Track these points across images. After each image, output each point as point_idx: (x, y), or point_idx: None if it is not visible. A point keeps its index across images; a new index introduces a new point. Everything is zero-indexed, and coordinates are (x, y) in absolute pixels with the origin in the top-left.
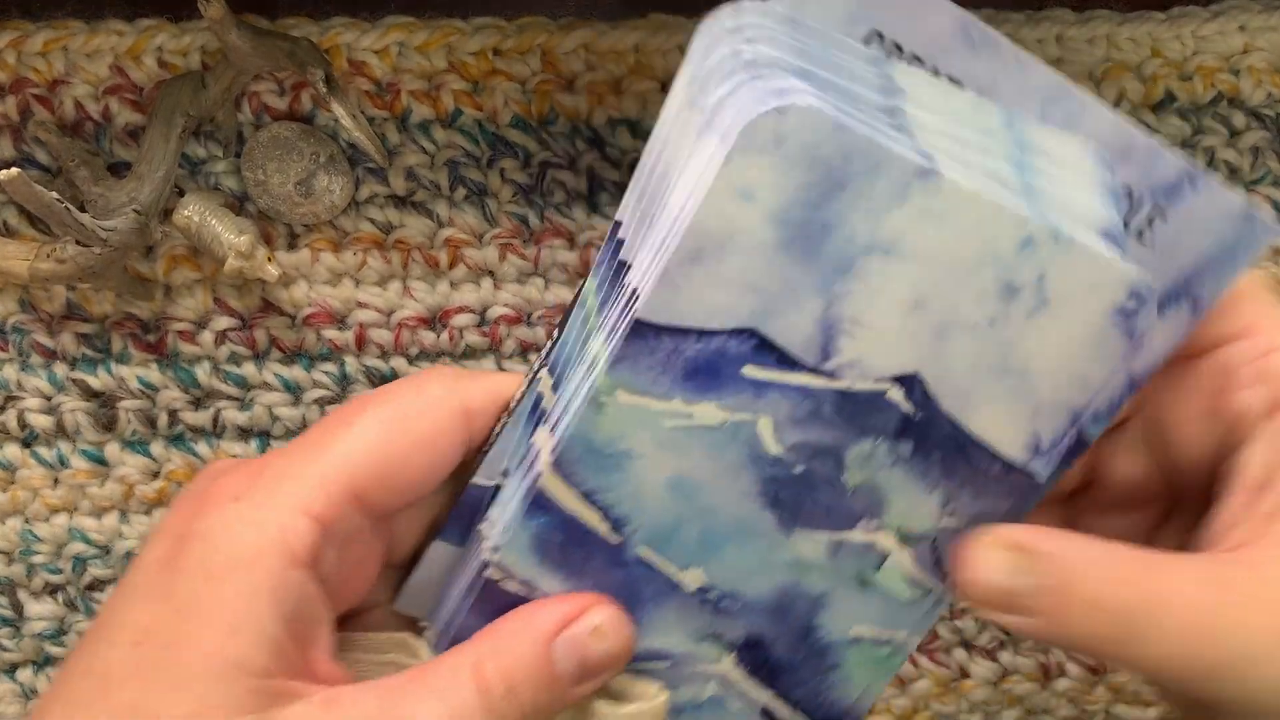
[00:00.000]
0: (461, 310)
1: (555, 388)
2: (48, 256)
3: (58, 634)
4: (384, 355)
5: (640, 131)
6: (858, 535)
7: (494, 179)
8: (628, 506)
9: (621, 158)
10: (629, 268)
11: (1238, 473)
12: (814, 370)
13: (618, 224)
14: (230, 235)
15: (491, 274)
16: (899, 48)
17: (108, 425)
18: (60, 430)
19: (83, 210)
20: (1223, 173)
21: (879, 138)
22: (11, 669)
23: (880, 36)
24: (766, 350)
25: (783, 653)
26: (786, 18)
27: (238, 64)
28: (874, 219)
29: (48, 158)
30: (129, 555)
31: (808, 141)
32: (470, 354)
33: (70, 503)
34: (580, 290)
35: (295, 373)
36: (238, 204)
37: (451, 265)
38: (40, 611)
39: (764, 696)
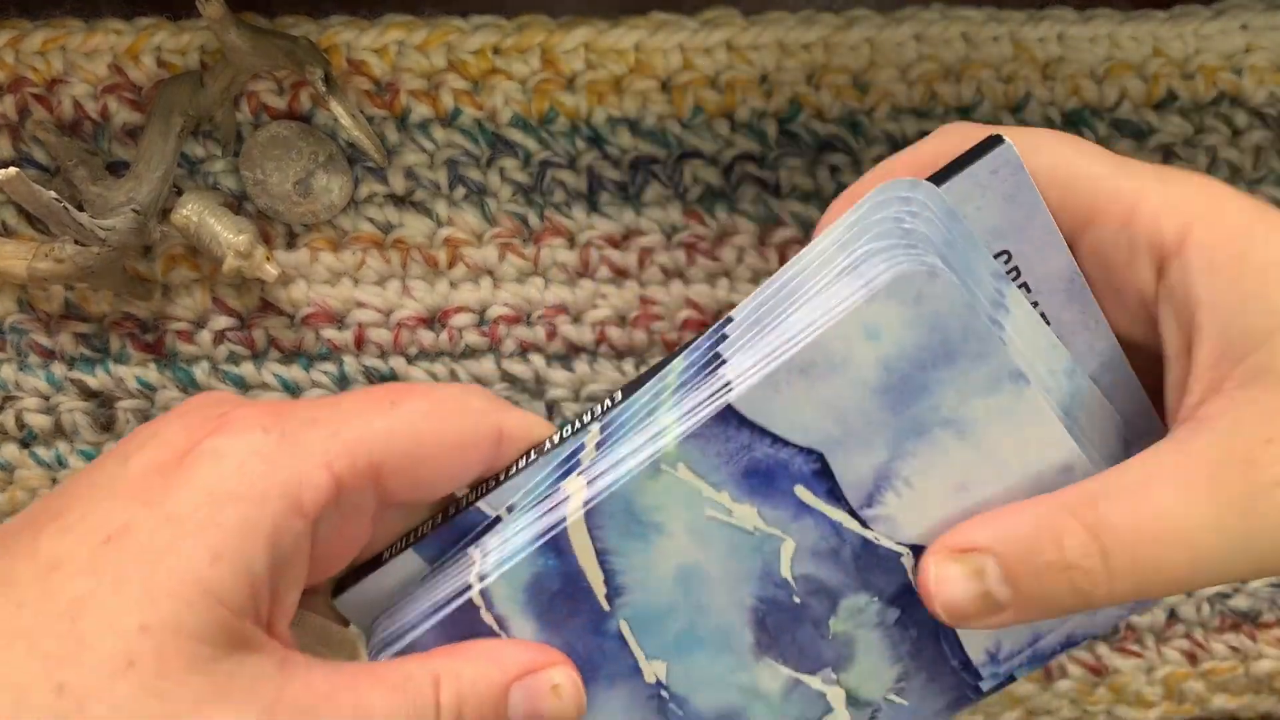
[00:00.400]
0: (461, 310)
1: (601, 445)
2: (46, 256)
3: None
4: (383, 355)
5: (640, 131)
6: (816, 682)
7: (493, 178)
8: (632, 578)
9: (621, 157)
10: (725, 362)
11: (1166, 352)
12: (853, 513)
13: (729, 319)
14: (229, 235)
15: (491, 274)
16: (1018, 271)
17: (106, 425)
18: (58, 430)
19: (81, 210)
20: (1224, 172)
21: (996, 332)
22: None
23: (1008, 256)
24: (823, 478)
25: None
26: (948, 210)
27: (236, 63)
28: (962, 399)
29: (46, 157)
30: None
31: (941, 309)
32: (470, 354)
33: None
34: (664, 366)
35: (294, 373)
36: (236, 203)
37: (451, 265)
38: None
39: None
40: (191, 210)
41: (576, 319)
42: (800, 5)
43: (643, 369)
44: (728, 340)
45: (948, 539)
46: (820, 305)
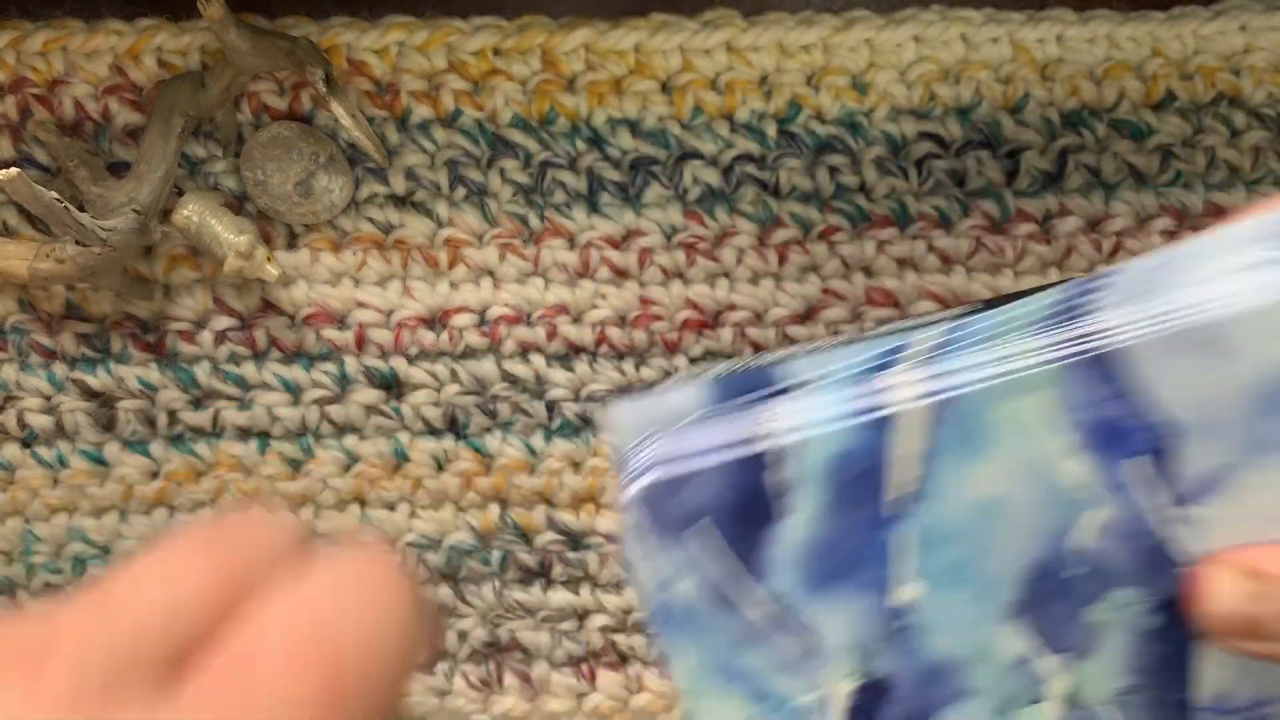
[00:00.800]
0: (461, 310)
1: (935, 351)
2: (47, 256)
3: None
4: (384, 355)
5: (640, 132)
6: (1048, 665)
7: (494, 179)
8: (939, 487)
9: (621, 158)
10: (1099, 311)
11: None
12: (1169, 505)
13: (1108, 272)
14: (230, 235)
15: (491, 274)
16: None
17: (107, 425)
18: (60, 430)
19: (82, 210)
20: (1223, 173)
21: None
22: None
23: None
24: (1161, 459)
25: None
26: None
27: (237, 64)
28: None
29: (47, 158)
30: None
31: None
32: (470, 354)
33: (70, 503)
34: (997, 305)
35: (295, 373)
36: (237, 204)
37: (451, 265)
38: (40, 611)
39: None
40: (192, 210)
41: (577, 319)
42: (800, 6)
43: (643, 369)
44: (1102, 292)
45: (1246, 556)
46: (1229, 287)
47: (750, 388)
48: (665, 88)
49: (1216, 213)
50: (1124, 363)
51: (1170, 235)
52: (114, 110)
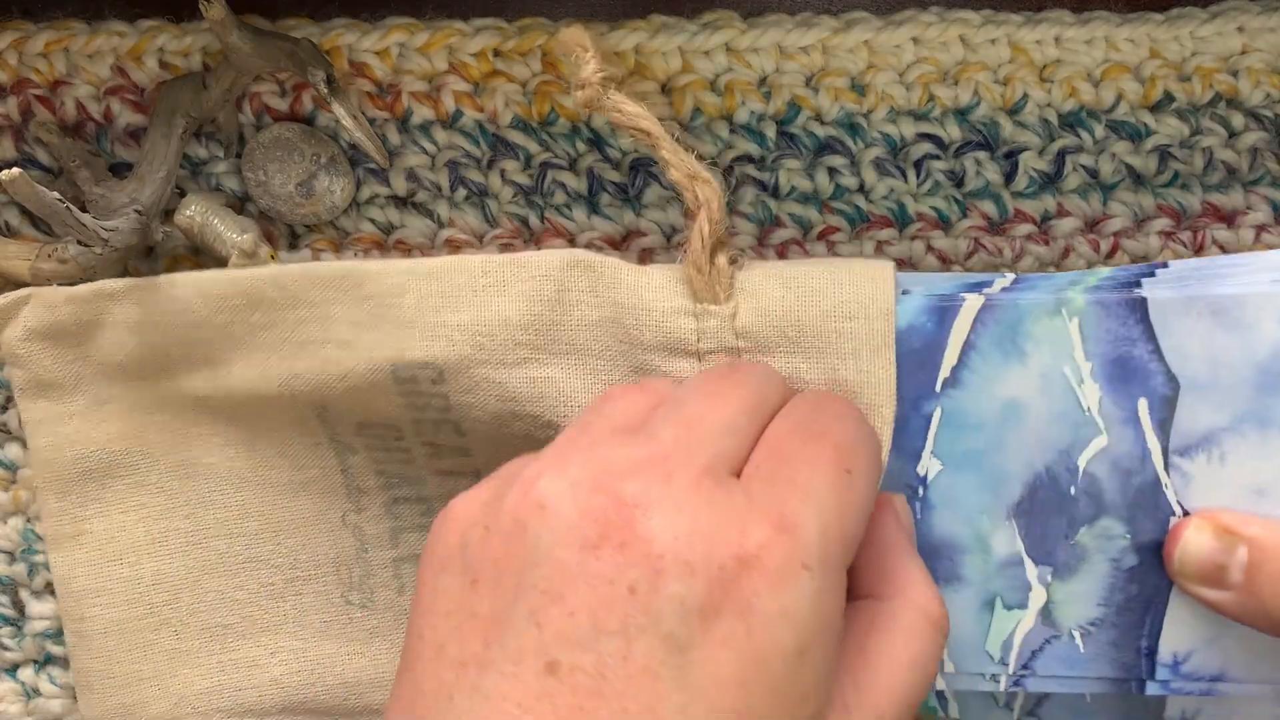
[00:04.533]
0: None
1: (1012, 284)
2: (49, 257)
3: (59, 633)
4: None
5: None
6: (1033, 573)
7: (494, 180)
8: (972, 378)
9: (621, 159)
10: (1146, 283)
11: None
12: (1165, 451)
13: (1163, 264)
14: (233, 234)
15: None
16: None
17: None
18: None
19: (84, 210)
20: (1221, 173)
21: None
22: (13, 668)
23: None
24: (1166, 406)
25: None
26: None
27: (238, 65)
28: None
29: (49, 158)
30: None
31: None
32: None
33: None
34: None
35: None
36: (239, 205)
37: None
38: (42, 611)
39: None
40: (195, 211)
41: None
42: (799, 8)
43: None
44: (1155, 278)
45: (1222, 516)
46: (1262, 278)
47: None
48: (665, 89)
49: (1214, 213)
50: (1152, 311)
51: (1168, 236)
52: (116, 111)
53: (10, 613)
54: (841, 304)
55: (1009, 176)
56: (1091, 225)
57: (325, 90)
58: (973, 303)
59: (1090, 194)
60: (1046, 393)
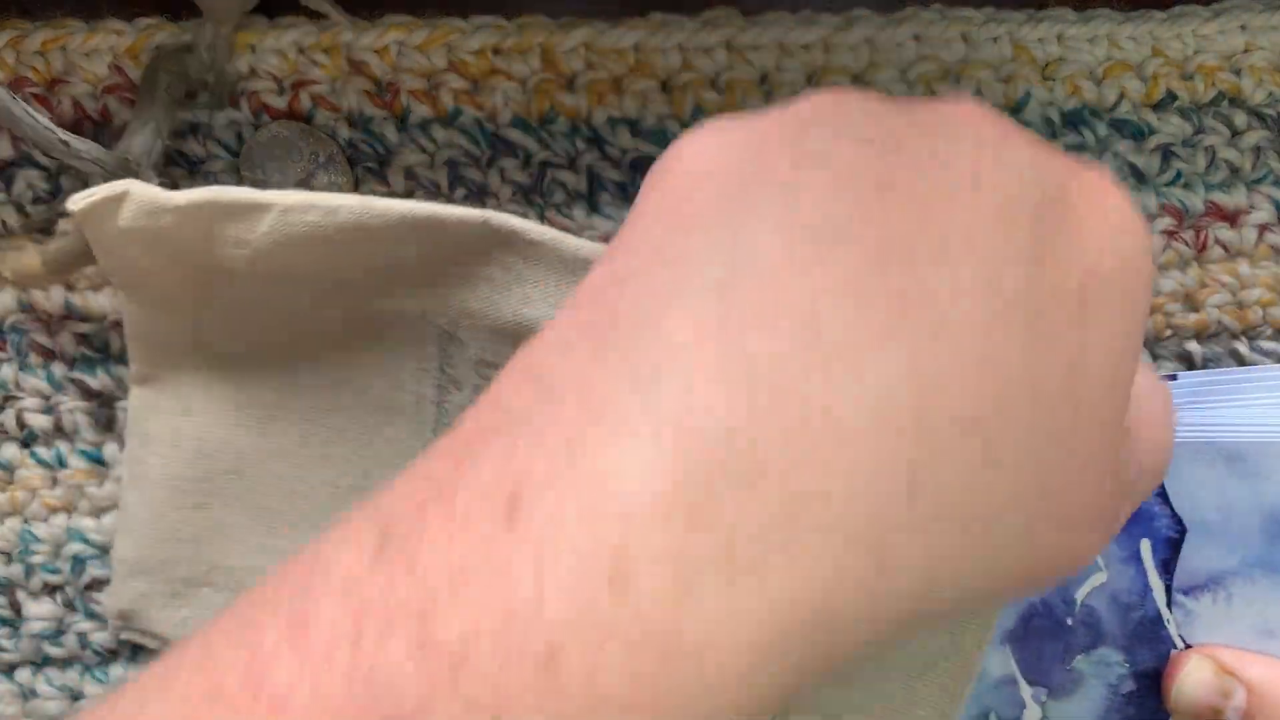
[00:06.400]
0: None
1: None
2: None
3: (56, 634)
4: None
5: (640, 131)
6: (1027, 693)
7: (494, 179)
8: None
9: (621, 157)
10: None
11: None
12: (1169, 590)
13: (1171, 376)
14: None
15: None
16: None
17: (107, 425)
18: (59, 430)
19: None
20: (1224, 172)
21: None
22: (10, 669)
23: None
24: (1170, 548)
25: None
26: None
27: (211, 12)
28: None
29: (46, 158)
30: None
31: None
32: None
33: (69, 503)
34: None
35: None
36: None
37: None
38: (39, 612)
39: None
40: None
41: None
42: (800, 6)
43: None
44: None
45: (1225, 655)
46: (1269, 417)
47: None
48: (665, 87)
49: (1217, 212)
50: None
51: (1171, 235)
52: (113, 109)
53: (7, 614)
54: None
55: None
56: None
57: None
58: None
59: None
60: None
